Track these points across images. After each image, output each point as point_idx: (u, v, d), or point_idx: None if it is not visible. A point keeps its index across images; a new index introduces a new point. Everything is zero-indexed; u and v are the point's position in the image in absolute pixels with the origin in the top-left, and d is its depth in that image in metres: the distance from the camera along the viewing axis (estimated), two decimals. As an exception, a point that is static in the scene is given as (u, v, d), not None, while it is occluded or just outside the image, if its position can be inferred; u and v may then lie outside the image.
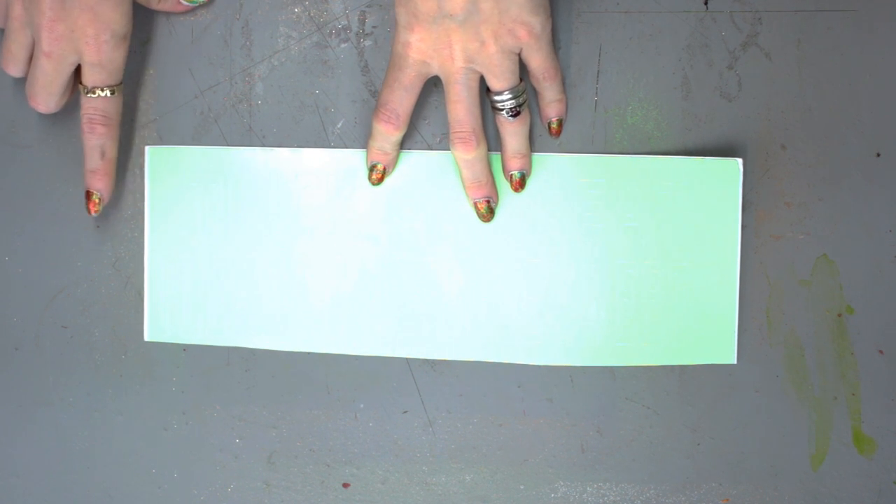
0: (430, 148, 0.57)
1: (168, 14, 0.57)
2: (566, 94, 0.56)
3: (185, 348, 0.58)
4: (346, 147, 0.57)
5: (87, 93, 0.53)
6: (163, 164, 0.57)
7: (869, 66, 0.56)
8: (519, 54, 0.52)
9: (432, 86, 0.56)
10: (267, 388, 0.58)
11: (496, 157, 0.56)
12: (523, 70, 0.54)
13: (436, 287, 0.56)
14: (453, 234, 0.56)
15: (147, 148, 0.57)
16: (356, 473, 0.58)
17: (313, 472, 0.58)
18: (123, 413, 0.59)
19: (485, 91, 0.54)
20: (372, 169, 0.56)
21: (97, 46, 0.52)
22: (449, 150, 0.56)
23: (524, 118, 0.54)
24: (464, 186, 0.56)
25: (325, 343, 0.57)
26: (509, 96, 0.53)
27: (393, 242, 0.56)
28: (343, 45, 0.57)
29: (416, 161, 0.56)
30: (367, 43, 0.57)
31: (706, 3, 0.56)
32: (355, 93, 0.57)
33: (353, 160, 0.56)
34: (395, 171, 0.56)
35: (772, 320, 0.57)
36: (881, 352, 0.57)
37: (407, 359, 0.57)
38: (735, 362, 0.56)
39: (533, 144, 0.56)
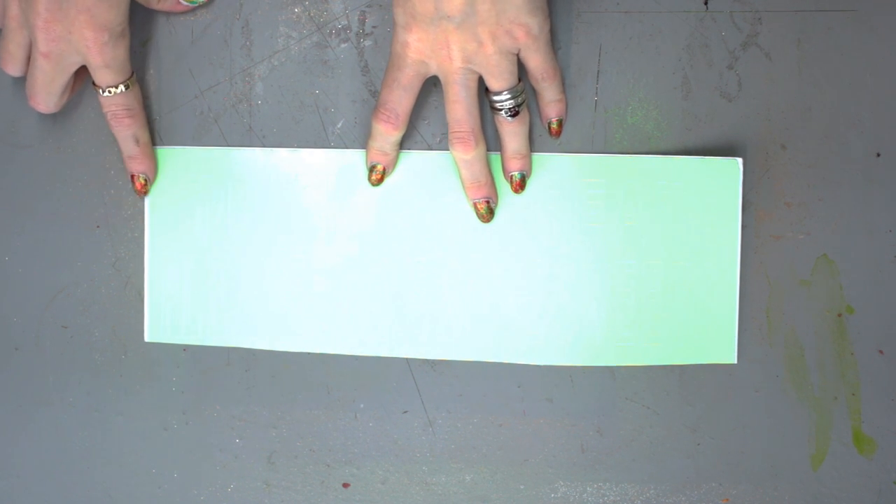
0: (429, 148, 0.57)
1: (168, 14, 0.57)
2: (566, 94, 0.56)
3: (185, 348, 0.58)
4: (346, 147, 0.57)
5: (104, 92, 0.53)
6: (162, 165, 0.57)
7: (869, 66, 0.56)
8: (518, 54, 0.52)
9: (432, 86, 0.56)
10: (267, 388, 0.58)
11: (496, 158, 0.56)
12: (522, 70, 0.54)
13: (436, 287, 0.56)
14: (453, 234, 0.56)
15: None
16: (356, 473, 0.58)
17: (313, 472, 0.58)
18: (123, 413, 0.59)
19: (484, 91, 0.54)
20: (372, 169, 0.56)
21: (99, 49, 0.52)
22: (448, 150, 0.56)
23: (523, 118, 0.54)
24: (463, 187, 0.56)
25: (326, 343, 0.57)
26: (508, 96, 0.52)
27: (393, 243, 0.56)
28: (343, 45, 0.57)
29: (415, 161, 0.56)
30: (367, 43, 0.57)
31: (706, 3, 0.56)
32: (355, 93, 0.57)
33: (352, 160, 0.56)
34: (395, 171, 0.56)
35: (772, 320, 0.57)
36: (881, 352, 0.57)
37: (407, 359, 0.57)
38: (735, 362, 0.56)
39: (533, 144, 0.56)
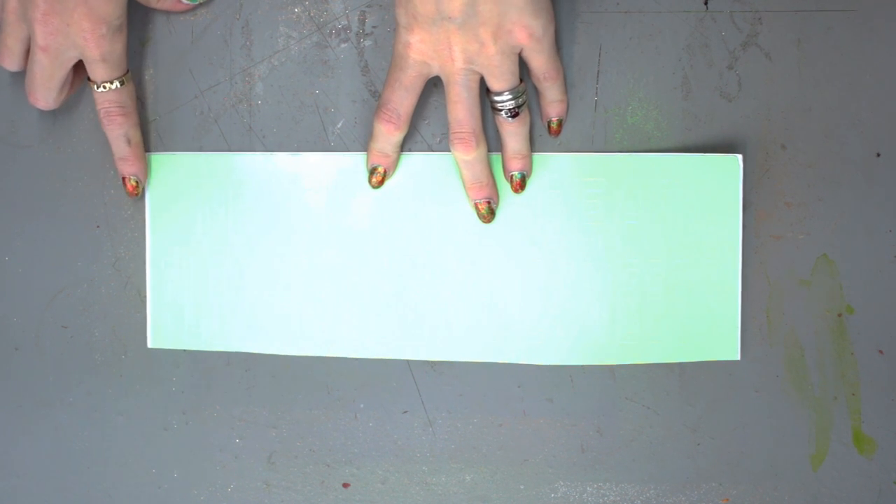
0: (430, 149, 0.57)
1: (168, 14, 0.57)
2: (567, 94, 0.56)
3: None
4: (346, 147, 0.57)
5: (98, 87, 0.53)
6: (163, 171, 0.57)
7: (869, 66, 0.56)
8: (520, 54, 0.52)
9: (432, 86, 0.56)
10: (267, 388, 0.58)
11: (496, 158, 0.56)
12: (524, 69, 0.54)
13: (437, 288, 0.56)
14: (454, 235, 0.56)
15: (147, 155, 0.57)
16: (356, 473, 0.58)
17: (313, 472, 0.58)
18: (123, 413, 0.59)
19: (485, 91, 0.54)
20: (372, 172, 0.56)
21: (96, 41, 0.52)
22: (449, 150, 0.56)
23: (524, 119, 0.54)
24: (464, 187, 0.56)
25: (328, 347, 0.57)
26: (509, 97, 0.53)
27: (394, 244, 0.56)
28: (343, 45, 0.57)
29: (416, 163, 0.56)
30: (367, 43, 0.57)
31: (706, 3, 0.56)
32: (355, 93, 0.57)
33: (353, 163, 0.56)
34: (396, 172, 0.56)
35: (772, 320, 0.57)
36: (881, 352, 0.57)
37: (407, 359, 0.57)
38: (738, 358, 0.56)
39: (533, 144, 0.56)
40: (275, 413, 0.58)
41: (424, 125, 0.57)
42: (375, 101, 0.57)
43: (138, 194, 0.56)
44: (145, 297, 0.58)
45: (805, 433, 0.57)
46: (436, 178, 0.56)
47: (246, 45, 0.57)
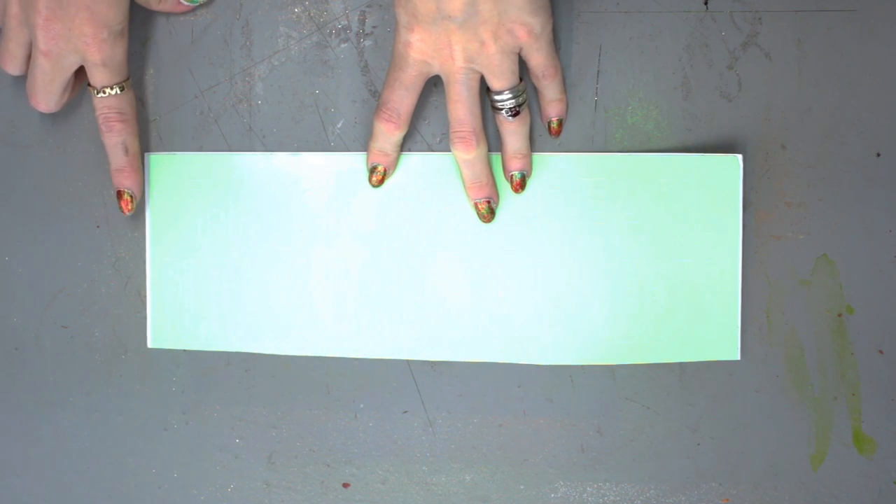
0: (430, 148, 0.57)
1: (168, 14, 0.57)
2: (566, 93, 0.56)
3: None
4: (346, 147, 0.57)
5: (98, 93, 0.53)
6: (163, 172, 0.57)
7: (869, 66, 0.56)
8: (519, 53, 0.52)
9: (432, 86, 0.56)
10: (267, 388, 0.58)
11: (497, 158, 0.56)
12: (523, 69, 0.54)
13: (437, 288, 0.56)
14: (454, 235, 0.56)
15: (147, 155, 0.57)
16: (356, 473, 0.58)
17: (313, 472, 0.58)
18: (123, 413, 0.59)
19: (485, 91, 0.54)
20: (372, 171, 0.56)
21: (97, 46, 0.52)
22: (449, 150, 0.56)
23: (524, 118, 0.54)
24: (464, 187, 0.56)
25: (328, 347, 0.57)
26: (509, 96, 0.53)
27: (393, 244, 0.56)
28: (343, 45, 0.57)
29: (416, 162, 0.56)
30: (367, 43, 0.57)
31: (706, 3, 0.56)
32: (355, 93, 0.57)
33: (353, 163, 0.56)
34: (396, 172, 0.56)
35: (772, 320, 0.57)
36: (881, 352, 0.57)
37: (407, 359, 0.57)
38: (738, 358, 0.56)
39: (533, 144, 0.56)
40: (275, 413, 0.58)
41: (424, 125, 0.57)
42: (375, 101, 0.57)
43: (132, 210, 0.56)
44: (145, 297, 0.58)
45: (805, 433, 0.57)
46: (436, 178, 0.56)
47: (246, 45, 0.57)
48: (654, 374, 0.57)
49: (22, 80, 0.57)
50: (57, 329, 0.58)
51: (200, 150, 0.57)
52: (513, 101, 0.53)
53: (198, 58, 0.57)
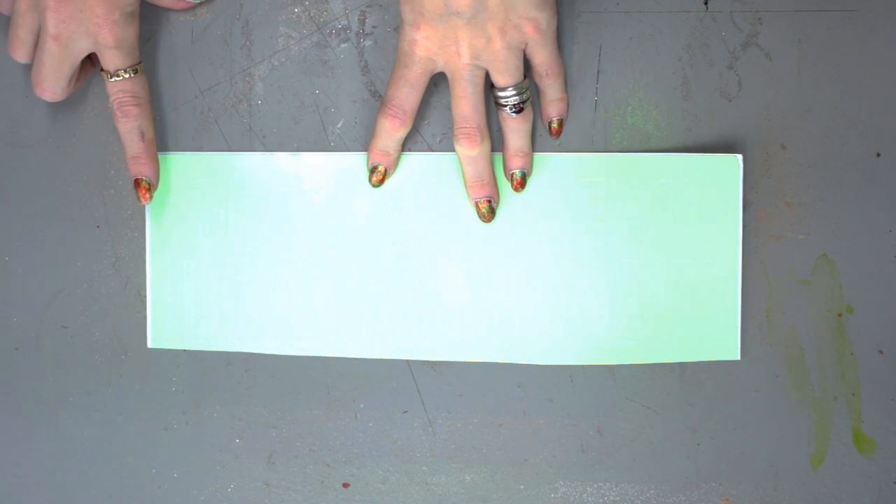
0: (430, 149, 0.57)
1: (168, 14, 0.57)
2: (567, 93, 0.56)
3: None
4: (347, 147, 0.57)
5: (112, 77, 0.53)
6: (163, 172, 0.56)
7: (869, 66, 0.56)
8: (524, 50, 0.52)
9: (433, 86, 0.56)
10: (267, 388, 0.58)
11: (497, 158, 0.56)
12: (527, 68, 0.54)
13: (437, 288, 0.56)
14: (454, 234, 0.56)
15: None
16: (356, 473, 0.58)
17: (313, 472, 0.58)
18: (123, 413, 0.59)
19: (489, 87, 0.54)
20: (373, 171, 0.56)
21: (109, 27, 0.51)
22: (449, 150, 0.56)
23: (527, 115, 0.54)
24: (465, 185, 0.56)
25: (328, 347, 0.57)
26: (513, 92, 0.53)
27: (393, 244, 0.56)
28: (343, 45, 0.57)
29: (416, 162, 0.56)
30: (367, 43, 0.57)
31: (706, 3, 0.56)
32: (355, 93, 0.57)
33: (353, 163, 0.56)
34: (396, 172, 0.56)
35: (772, 320, 0.57)
36: (881, 352, 0.57)
37: (407, 359, 0.57)
38: (738, 358, 0.56)
39: (533, 144, 0.56)
40: (275, 413, 0.58)
41: (424, 125, 0.57)
42: (375, 101, 0.57)
43: (150, 199, 0.55)
44: (145, 297, 0.58)
45: (805, 433, 0.57)
46: (436, 178, 0.56)
47: (246, 45, 0.57)
48: (654, 374, 0.57)
49: (22, 80, 0.57)
50: (57, 329, 0.58)
51: (200, 150, 0.57)
52: (517, 97, 0.53)
53: (198, 58, 0.57)
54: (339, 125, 0.57)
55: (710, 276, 0.56)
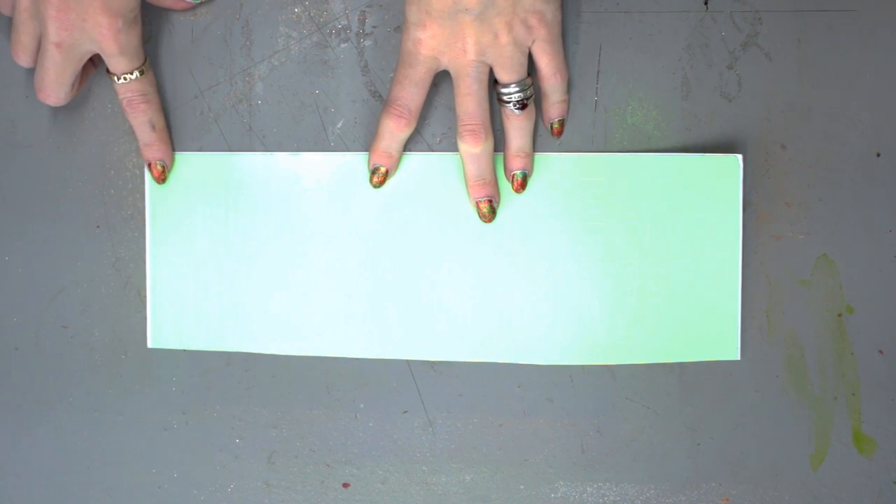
0: (430, 149, 0.57)
1: (168, 13, 0.57)
2: (568, 94, 0.56)
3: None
4: (346, 147, 0.57)
5: (118, 79, 0.53)
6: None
7: (869, 66, 0.56)
8: (530, 48, 0.52)
9: (433, 86, 0.56)
10: (267, 388, 0.58)
11: (497, 158, 0.56)
12: (531, 70, 0.54)
13: (437, 288, 0.56)
14: (454, 235, 0.56)
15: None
16: (356, 473, 0.58)
17: (313, 472, 0.58)
18: (123, 413, 0.59)
19: (492, 84, 0.54)
20: (374, 171, 0.56)
21: (113, 36, 0.51)
22: (449, 150, 0.56)
23: (530, 113, 0.54)
24: (467, 185, 0.56)
25: (328, 347, 0.57)
26: (517, 89, 0.53)
27: (393, 244, 0.56)
28: (343, 45, 0.57)
29: (416, 162, 0.56)
30: (367, 43, 0.57)
31: (706, 3, 0.56)
32: (355, 93, 0.57)
33: (353, 163, 0.56)
34: (396, 173, 0.56)
35: (772, 320, 0.57)
36: (881, 352, 0.57)
37: (407, 359, 0.57)
38: (738, 358, 0.56)
39: (534, 145, 0.56)
40: (275, 413, 0.58)
41: (424, 125, 0.57)
42: (376, 101, 0.57)
43: (165, 180, 0.56)
44: (145, 297, 0.58)
45: (805, 433, 0.57)
46: (436, 178, 0.56)
47: (246, 45, 0.57)
48: (654, 375, 0.57)
49: (22, 81, 0.57)
50: (57, 329, 0.58)
51: (200, 150, 0.57)
52: (520, 94, 0.53)
53: (198, 58, 0.57)
54: (339, 125, 0.57)
55: (710, 276, 0.56)
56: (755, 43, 0.56)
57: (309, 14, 0.57)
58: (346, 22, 0.57)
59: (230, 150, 0.57)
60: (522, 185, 0.55)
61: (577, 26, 0.56)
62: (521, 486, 0.58)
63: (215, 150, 0.57)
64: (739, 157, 0.55)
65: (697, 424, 0.57)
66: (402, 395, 0.58)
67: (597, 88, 0.56)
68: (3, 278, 0.58)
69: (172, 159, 0.56)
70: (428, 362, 0.58)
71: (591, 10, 0.56)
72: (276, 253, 0.57)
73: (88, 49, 0.52)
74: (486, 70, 0.52)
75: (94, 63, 0.56)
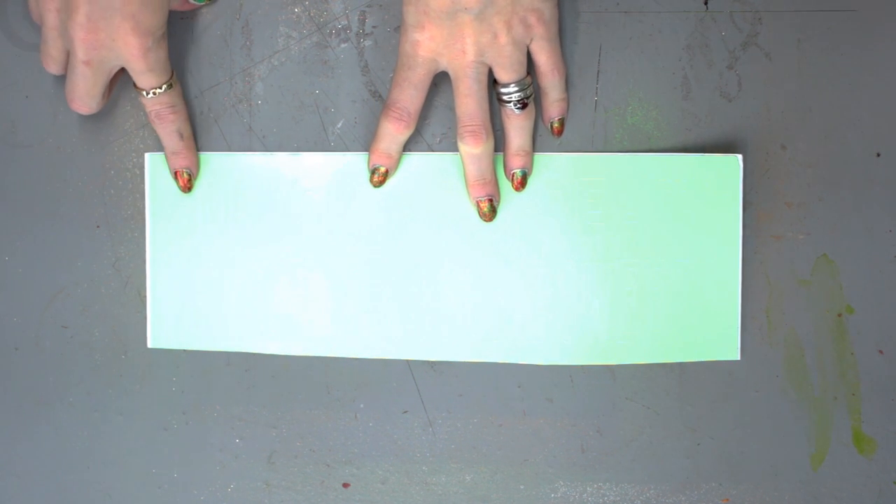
0: (430, 149, 0.57)
1: (168, 14, 0.57)
2: (568, 93, 0.56)
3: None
4: (346, 147, 0.57)
5: (147, 94, 0.53)
6: (163, 171, 0.56)
7: (869, 66, 0.56)
8: (528, 47, 0.52)
9: (433, 86, 0.56)
10: (267, 388, 0.58)
11: (497, 157, 0.56)
12: (529, 68, 0.54)
13: (437, 288, 0.56)
14: (454, 235, 0.56)
15: (147, 155, 0.57)
16: (356, 473, 0.58)
17: (313, 472, 0.58)
18: (123, 413, 0.59)
19: (491, 84, 0.54)
20: (374, 171, 0.56)
21: (143, 55, 0.51)
22: (449, 150, 0.56)
23: (530, 112, 0.54)
24: (467, 185, 0.55)
25: (328, 347, 0.57)
26: (516, 88, 0.53)
27: (393, 244, 0.56)
28: (343, 45, 0.57)
29: (416, 162, 0.56)
30: (367, 43, 0.57)
31: (706, 3, 0.56)
32: (355, 93, 0.57)
33: (353, 163, 0.56)
34: (396, 172, 0.56)
35: (772, 320, 0.57)
36: (881, 352, 0.57)
37: (407, 359, 0.57)
38: (738, 358, 0.56)
39: (534, 144, 0.56)
40: (275, 413, 0.58)
41: (424, 125, 0.57)
42: (375, 101, 0.57)
43: (191, 188, 0.56)
44: (145, 297, 0.58)
45: (805, 433, 0.57)
46: (436, 178, 0.56)
47: (246, 45, 0.57)
48: (654, 375, 0.57)
49: (22, 80, 0.57)
50: (57, 329, 0.58)
51: (200, 150, 0.57)
52: (520, 93, 0.53)
53: (198, 58, 0.57)
54: (339, 125, 0.57)
55: (710, 276, 0.56)
56: (755, 43, 0.56)
57: (309, 14, 0.57)
58: (346, 22, 0.57)
59: (230, 150, 0.57)
60: (522, 184, 0.55)
61: (576, 26, 0.56)
62: (521, 486, 0.58)
63: (215, 150, 0.57)
64: (739, 157, 0.55)
65: (697, 424, 0.57)
66: (402, 395, 0.58)
67: (597, 88, 0.56)
68: (3, 278, 0.58)
69: (198, 166, 0.56)
70: (428, 362, 0.58)
71: (591, 10, 0.56)
72: (275, 253, 0.57)
73: (117, 65, 0.52)
74: (486, 70, 0.52)
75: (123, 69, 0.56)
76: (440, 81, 0.56)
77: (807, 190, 0.56)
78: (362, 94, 0.57)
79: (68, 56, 0.52)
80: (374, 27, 0.57)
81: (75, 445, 0.59)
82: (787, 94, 0.56)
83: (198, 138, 0.57)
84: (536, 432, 0.58)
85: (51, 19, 0.51)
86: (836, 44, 0.56)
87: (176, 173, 0.56)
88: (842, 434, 0.57)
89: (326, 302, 0.56)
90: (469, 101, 0.52)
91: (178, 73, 0.57)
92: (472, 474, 0.58)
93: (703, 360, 0.56)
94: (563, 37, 0.56)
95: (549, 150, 0.56)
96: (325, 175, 0.56)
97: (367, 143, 0.57)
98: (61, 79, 0.57)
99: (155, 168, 0.57)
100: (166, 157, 0.56)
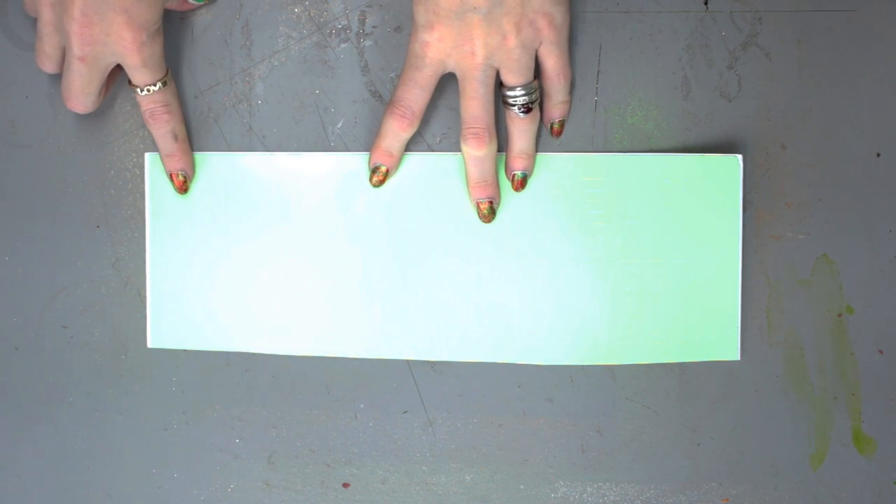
0: (430, 149, 0.57)
1: (168, 14, 0.57)
2: (571, 96, 0.56)
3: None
4: (346, 147, 0.57)
5: (141, 91, 0.53)
6: (163, 171, 0.56)
7: (869, 66, 0.56)
8: (537, 50, 0.52)
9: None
10: (267, 388, 0.58)
11: (500, 158, 0.56)
12: (536, 71, 0.54)
13: (437, 288, 0.56)
14: (454, 235, 0.56)
15: (147, 155, 0.57)
16: (356, 473, 0.58)
17: (313, 472, 0.58)
18: (123, 413, 0.59)
19: (497, 86, 0.54)
20: (374, 171, 0.56)
21: (137, 49, 0.51)
22: (449, 150, 0.56)
23: (534, 116, 0.54)
24: (468, 186, 0.55)
25: (328, 347, 0.57)
26: (522, 92, 0.53)
27: (393, 244, 0.56)
28: (343, 45, 0.57)
29: (416, 162, 0.56)
30: (367, 43, 0.57)
31: (706, 3, 0.56)
32: (355, 93, 0.57)
33: (353, 163, 0.56)
34: (396, 172, 0.56)
35: (772, 320, 0.57)
36: (881, 352, 0.57)
37: (407, 359, 0.57)
38: (738, 358, 0.56)
39: (536, 146, 0.56)
40: (275, 413, 0.58)
41: (425, 125, 0.57)
42: (376, 100, 0.57)
43: (187, 190, 0.56)
44: (145, 297, 0.58)
45: (805, 433, 0.57)
46: (436, 179, 0.56)
47: (246, 45, 0.57)
48: (654, 375, 0.57)
49: (22, 80, 0.57)
50: (57, 329, 0.58)
51: (200, 150, 0.57)
52: (526, 97, 0.53)
53: (198, 58, 0.57)
54: (339, 125, 0.57)
55: (710, 276, 0.56)
56: (755, 43, 0.56)
57: (309, 14, 0.57)
58: (346, 22, 0.57)
59: (230, 150, 0.57)
60: (522, 185, 0.55)
61: (576, 26, 0.56)
62: (521, 486, 0.58)
63: (215, 150, 0.57)
64: (739, 157, 0.55)
65: (697, 424, 0.57)
66: (402, 395, 0.58)
67: (597, 88, 0.56)
68: (3, 278, 0.58)
69: (194, 169, 0.56)
70: (428, 362, 0.58)
71: (591, 10, 0.56)
72: (275, 253, 0.57)
73: (112, 61, 0.52)
74: (493, 73, 0.52)
75: (120, 67, 0.56)
76: (443, 81, 0.56)
77: (807, 190, 0.56)
78: (362, 94, 0.57)
79: (64, 53, 0.52)
80: (374, 27, 0.57)
81: (75, 445, 0.59)
82: (787, 94, 0.56)
83: (198, 138, 0.57)
84: (536, 432, 0.58)
85: (46, 14, 0.51)
86: (836, 44, 0.56)
87: (171, 175, 0.56)
88: (842, 434, 0.57)
89: (326, 302, 0.57)
90: (475, 104, 0.52)
91: (177, 72, 0.57)
92: (472, 474, 0.58)
93: (703, 360, 0.56)
94: (563, 37, 0.56)
95: (549, 150, 0.56)
96: (325, 175, 0.56)
97: (367, 143, 0.57)
98: (61, 79, 0.57)
99: (155, 168, 0.57)
100: (161, 159, 0.56)
